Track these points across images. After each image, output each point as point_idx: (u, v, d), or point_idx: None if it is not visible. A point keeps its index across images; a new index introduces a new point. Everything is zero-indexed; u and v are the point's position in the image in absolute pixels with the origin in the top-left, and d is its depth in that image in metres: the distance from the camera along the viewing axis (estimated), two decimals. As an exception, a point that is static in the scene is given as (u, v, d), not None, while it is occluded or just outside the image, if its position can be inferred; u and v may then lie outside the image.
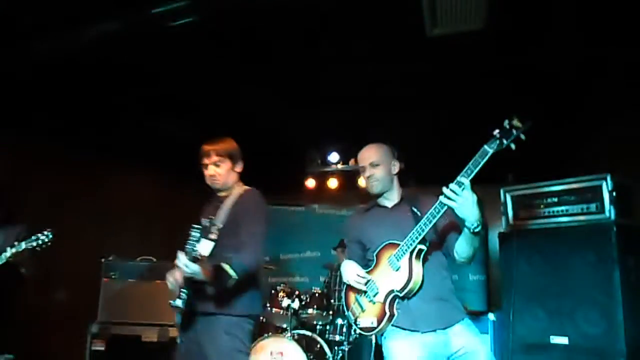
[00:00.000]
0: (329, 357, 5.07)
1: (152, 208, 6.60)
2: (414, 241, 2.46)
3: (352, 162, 7.21)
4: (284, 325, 5.11)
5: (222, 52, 4.49)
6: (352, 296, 2.74)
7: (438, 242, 2.63)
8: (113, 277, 5.14)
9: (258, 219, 2.88)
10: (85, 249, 5.44)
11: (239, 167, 3.09)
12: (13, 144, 4.91)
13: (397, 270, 2.51)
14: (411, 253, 2.48)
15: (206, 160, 2.98)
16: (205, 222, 2.94)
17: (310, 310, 5.16)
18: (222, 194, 3.05)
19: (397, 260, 2.52)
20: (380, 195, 2.79)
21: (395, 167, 2.80)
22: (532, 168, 4.87)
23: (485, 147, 2.26)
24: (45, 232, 3.43)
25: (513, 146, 2.24)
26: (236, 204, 2.92)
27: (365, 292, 2.62)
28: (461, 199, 2.23)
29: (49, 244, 3.41)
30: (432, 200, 2.40)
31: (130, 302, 5.07)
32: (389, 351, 2.53)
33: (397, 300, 2.51)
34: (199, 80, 4.93)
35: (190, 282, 2.66)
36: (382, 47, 4.41)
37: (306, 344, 4.84)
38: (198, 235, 2.73)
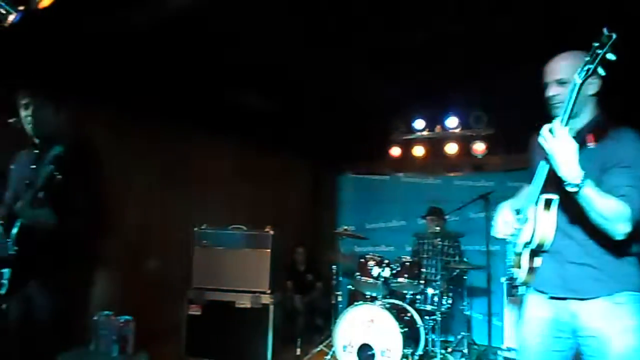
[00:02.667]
0: (419, 326, 4.99)
1: (237, 178, 6.73)
2: (530, 191, 2.15)
3: (438, 128, 6.98)
4: (374, 294, 5.06)
5: (304, 19, 4.39)
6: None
7: None
8: (205, 245, 5.30)
9: (89, 171, 2.64)
10: (178, 219, 5.64)
11: (53, 110, 2.70)
12: (107, 119, 5.10)
13: (526, 220, 2.17)
14: (536, 202, 2.10)
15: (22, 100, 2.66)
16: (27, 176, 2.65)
17: (400, 279, 5.08)
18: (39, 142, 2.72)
19: (525, 208, 2.20)
20: None
21: (594, 87, 2.10)
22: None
23: (575, 77, 1.91)
24: None
25: (602, 71, 1.87)
26: (61, 156, 2.51)
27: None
28: (548, 144, 1.94)
29: None
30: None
31: (223, 269, 5.21)
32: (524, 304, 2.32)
33: (533, 254, 2.14)
34: (281, 49, 4.88)
35: None
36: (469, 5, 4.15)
37: (396, 313, 4.77)
38: None
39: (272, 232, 5.24)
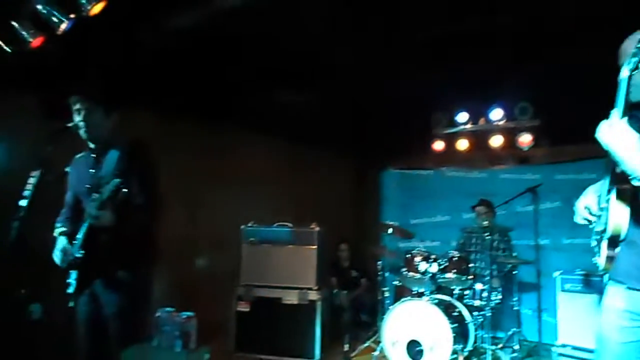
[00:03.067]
0: (468, 322, 4.92)
1: (282, 175, 6.78)
2: (607, 178, 2.07)
3: (482, 121, 6.86)
4: (421, 290, 5.02)
5: (350, 12, 4.37)
6: None
7: None
8: (252, 242, 5.36)
9: (146, 174, 2.66)
10: (225, 217, 5.72)
11: (112, 115, 2.76)
12: (155, 121, 5.20)
13: (605, 208, 2.09)
14: (608, 191, 2.04)
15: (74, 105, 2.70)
16: (83, 178, 2.75)
17: (448, 275, 5.02)
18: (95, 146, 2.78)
19: (603, 195, 2.11)
20: None
21: None
22: None
23: (622, 70, 1.81)
24: None
25: None
26: (121, 158, 2.62)
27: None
28: (606, 138, 1.84)
29: None
30: None
31: (270, 266, 5.28)
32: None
33: (610, 243, 2.06)
34: (323, 44, 4.87)
35: None
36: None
37: (444, 309, 4.72)
38: None
39: (317, 229, 5.26)
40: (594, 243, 2.23)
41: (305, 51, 4.92)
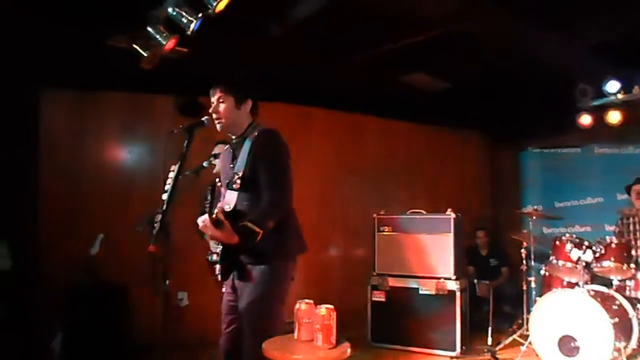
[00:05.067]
0: (631, 316, 4.38)
1: (414, 160, 6.60)
2: None
3: (636, 89, 6.06)
4: (574, 280, 4.57)
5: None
6: None
7: None
8: (385, 231, 5.25)
9: (278, 162, 2.59)
10: (358, 206, 5.69)
11: (247, 106, 2.71)
12: (284, 110, 5.26)
13: None
14: None
15: (211, 97, 2.71)
16: (225, 171, 2.75)
17: (606, 263, 4.51)
18: (235, 138, 2.76)
19: None
20: None
21: None
22: None
23: None
24: None
25: None
26: (253, 148, 2.62)
27: None
28: None
29: None
30: None
31: (404, 255, 5.15)
32: None
33: None
34: (450, 20, 4.57)
35: None
36: None
37: (602, 301, 4.24)
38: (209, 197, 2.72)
39: (453, 215, 5.01)
40: None
41: (436, 27, 4.65)
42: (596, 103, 6.28)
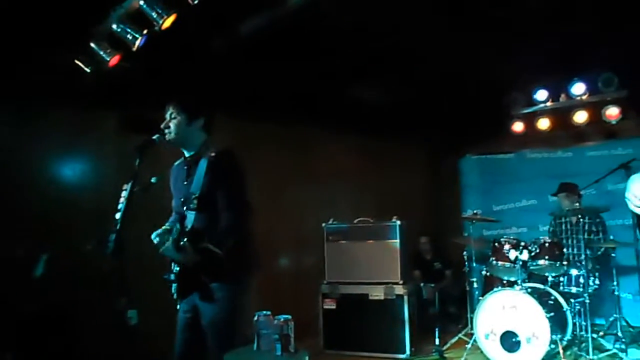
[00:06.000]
0: (565, 309, 4.68)
1: (359, 171, 6.75)
2: None
3: (563, 97, 6.49)
4: (512, 279, 4.83)
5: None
6: None
7: None
8: (334, 239, 5.36)
9: (236, 184, 2.68)
10: (307, 216, 5.77)
11: (198, 123, 2.78)
12: (236, 124, 5.30)
13: None
14: None
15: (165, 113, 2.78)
16: (177, 187, 2.82)
17: (541, 262, 4.81)
18: (189, 155, 2.82)
19: None
20: None
21: None
22: None
23: None
24: None
25: None
26: (210, 169, 2.65)
27: None
28: None
29: None
30: None
31: (353, 262, 5.27)
32: None
33: None
34: (393, 43, 4.76)
35: None
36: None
37: (538, 297, 4.52)
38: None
39: (398, 222, 5.19)
40: None
41: (381, 47, 4.82)
42: (527, 110, 6.69)
